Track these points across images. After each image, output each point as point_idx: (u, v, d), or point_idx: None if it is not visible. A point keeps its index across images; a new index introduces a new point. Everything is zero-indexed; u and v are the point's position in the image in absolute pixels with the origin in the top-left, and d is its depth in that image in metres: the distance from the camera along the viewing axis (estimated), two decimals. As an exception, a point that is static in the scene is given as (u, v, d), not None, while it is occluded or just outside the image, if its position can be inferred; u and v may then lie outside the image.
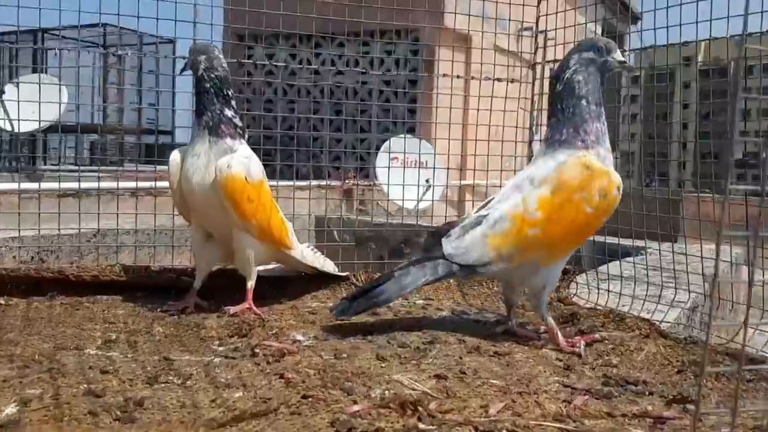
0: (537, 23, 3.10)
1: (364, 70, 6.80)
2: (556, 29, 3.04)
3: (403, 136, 3.83)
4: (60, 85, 4.40)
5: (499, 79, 3.15)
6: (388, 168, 3.72)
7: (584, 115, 2.13)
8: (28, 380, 1.67)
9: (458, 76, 3.21)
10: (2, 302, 2.54)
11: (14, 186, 4.14)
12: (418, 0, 3.43)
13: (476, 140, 3.31)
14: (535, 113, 3.23)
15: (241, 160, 2.41)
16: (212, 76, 2.45)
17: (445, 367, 1.88)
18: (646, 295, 2.61)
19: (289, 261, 2.70)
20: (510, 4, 3.24)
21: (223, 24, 4.45)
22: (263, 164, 2.55)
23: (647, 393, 1.75)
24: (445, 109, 3.36)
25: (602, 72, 2.17)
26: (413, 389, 1.70)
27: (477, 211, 2.22)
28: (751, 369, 1.88)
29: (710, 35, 2.43)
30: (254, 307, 2.43)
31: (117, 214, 3.11)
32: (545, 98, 3.51)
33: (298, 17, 3.28)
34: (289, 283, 2.79)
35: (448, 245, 2.15)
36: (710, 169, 2.79)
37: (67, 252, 3.49)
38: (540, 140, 3.42)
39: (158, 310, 2.46)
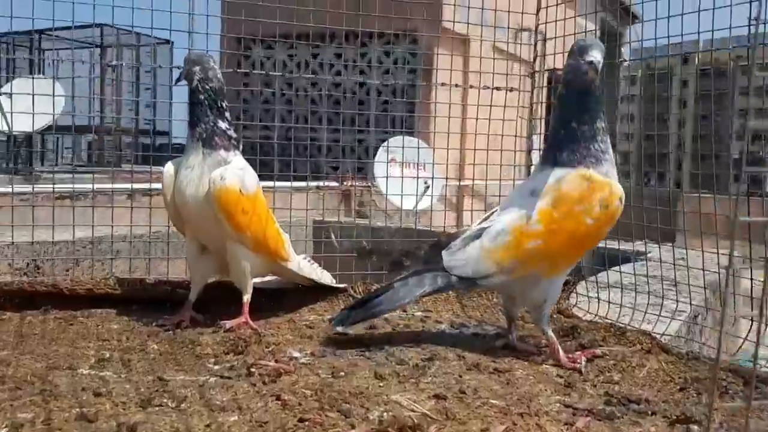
0: (536, 31, 3.06)
1: (363, 72, 6.76)
2: (555, 37, 3.00)
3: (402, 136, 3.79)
4: (56, 79, 4.36)
5: (498, 88, 3.12)
6: (386, 169, 3.69)
7: (577, 137, 2.10)
8: (20, 403, 1.65)
9: (457, 85, 3.17)
10: (-5, 316, 2.51)
11: (8, 189, 4.11)
12: (416, 8, 3.38)
13: (474, 149, 3.27)
14: (534, 122, 3.21)
15: (235, 172, 2.38)
16: (207, 87, 2.42)
17: (445, 386, 1.85)
18: (647, 305, 2.59)
19: (286, 273, 2.67)
20: (509, 12, 3.20)
21: (220, 26, 4.44)
22: (261, 165, 2.52)
23: (650, 413, 1.73)
24: (444, 118, 3.32)
25: (580, 78, 2.08)
26: (412, 410, 1.68)
27: (479, 224, 2.21)
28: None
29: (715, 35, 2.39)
30: (250, 321, 2.40)
31: (112, 214, 3.06)
32: (543, 107, 3.52)
33: (295, 18, 3.24)
34: (286, 295, 2.76)
35: (448, 257, 2.14)
36: (708, 169, 2.75)
37: (63, 256, 3.45)
38: (539, 149, 3.41)
39: (153, 324, 2.42)
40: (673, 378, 2.00)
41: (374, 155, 5.34)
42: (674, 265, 2.54)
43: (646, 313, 2.53)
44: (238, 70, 4.24)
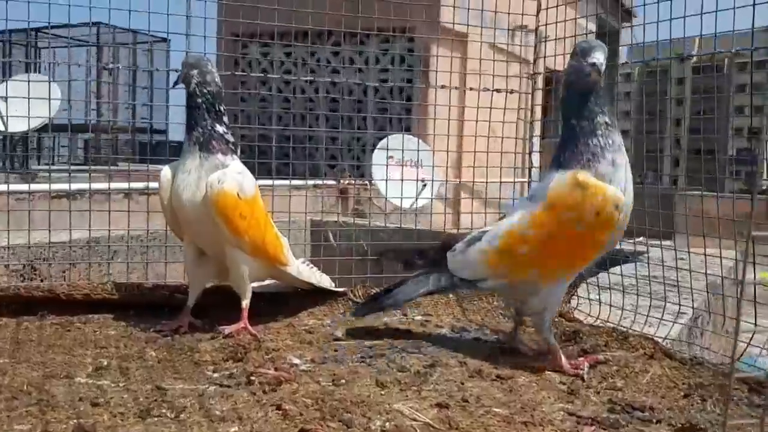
0: (536, 32, 3.03)
1: (360, 71, 6.73)
2: (556, 39, 2.97)
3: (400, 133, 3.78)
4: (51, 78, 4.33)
5: (498, 90, 3.09)
6: (384, 168, 3.67)
7: (574, 132, 2.06)
8: (16, 413, 1.62)
9: (456, 88, 3.15)
10: (-8, 323, 2.48)
11: (3, 188, 4.10)
12: (415, 8, 3.36)
13: (475, 151, 3.25)
14: (534, 123, 3.18)
15: (232, 176, 2.35)
16: (204, 91, 2.39)
17: (447, 394, 1.83)
18: (649, 307, 2.57)
19: (285, 277, 2.65)
20: (509, 13, 3.17)
21: (216, 27, 4.41)
22: (258, 163, 2.49)
23: (655, 421, 1.71)
24: (442, 119, 3.30)
25: (583, 79, 2.04)
26: (414, 420, 1.66)
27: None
28: None
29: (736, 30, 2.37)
30: (249, 327, 2.37)
31: (109, 216, 3.02)
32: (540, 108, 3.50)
33: (293, 15, 3.22)
34: (285, 300, 2.73)
35: (452, 259, 2.19)
36: (703, 166, 2.74)
37: (60, 258, 3.42)
38: (540, 151, 3.40)
39: (151, 330, 2.39)
40: (677, 384, 1.98)
41: (372, 153, 5.34)
42: (676, 268, 2.52)
43: (648, 316, 2.51)
44: (236, 73, 4.18)
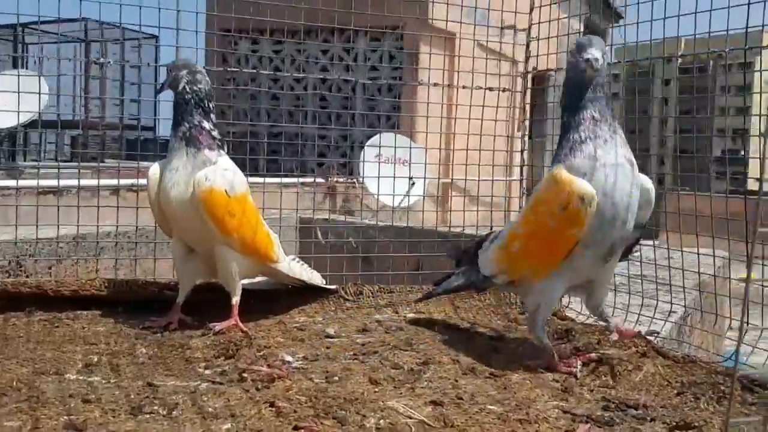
0: (529, 30, 3.02)
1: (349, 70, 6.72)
2: (548, 38, 2.97)
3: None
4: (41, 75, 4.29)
5: (491, 89, 3.08)
6: (378, 164, 3.66)
7: (564, 127, 2.05)
8: (6, 410, 1.60)
9: (449, 85, 3.13)
10: (-22, 319, 2.45)
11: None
12: (405, 5, 3.35)
13: (466, 149, 3.24)
14: (526, 122, 3.18)
15: (221, 173, 2.32)
16: (195, 88, 2.37)
17: (441, 392, 1.82)
18: (641, 306, 2.58)
19: (276, 274, 2.63)
20: (502, 11, 3.16)
21: (206, 23, 4.39)
22: (247, 160, 2.48)
23: (649, 419, 1.71)
24: (432, 118, 3.29)
25: (578, 75, 2.02)
26: (409, 417, 1.65)
27: None
28: None
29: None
30: (240, 324, 2.35)
31: (98, 213, 3.00)
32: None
33: (284, 12, 3.20)
34: (276, 297, 2.71)
35: (480, 256, 2.28)
36: (689, 165, 2.75)
37: (45, 254, 3.38)
38: (527, 150, 3.40)
39: (140, 327, 2.37)
40: (670, 382, 1.97)
41: (360, 151, 5.33)
42: (669, 267, 2.52)
43: (639, 315, 2.52)
44: (228, 69, 4.17)
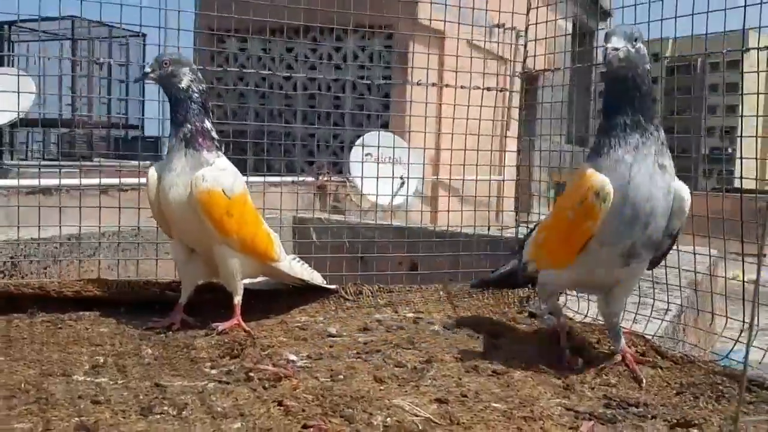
0: (526, 30, 3.04)
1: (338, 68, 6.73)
2: (546, 38, 2.99)
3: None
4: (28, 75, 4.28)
5: (489, 89, 3.10)
6: (370, 163, 3.67)
7: (598, 129, 2.02)
8: (16, 412, 1.61)
9: (447, 85, 3.15)
10: (-20, 320, 2.45)
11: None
12: (395, 4, 3.36)
13: (464, 149, 3.26)
14: (515, 122, 3.19)
15: (219, 173, 2.33)
16: (201, 88, 2.38)
17: (445, 389, 1.85)
18: (638, 305, 2.61)
19: (277, 274, 2.64)
20: (499, 12, 3.18)
21: (193, 21, 4.38)
22: (236, 160, 2.49)
23: (650, 417, 1.74)
24: (425, 116, 3.30)
25: (607, 70, 1.94)
26: (416, 415, 1.67)
27: None
28: None
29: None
30: (243, 323, 2.37)
31: (100, 213, 3.00)
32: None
33: (274, 11, 3.21)
34: (277, 297, 2.73)
35: (525, 244, 2.41)
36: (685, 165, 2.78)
37: (40, 255, 3.38)
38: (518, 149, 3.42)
39: (143, 327, 2.38)
40: (669, 382, 2.00)
41: (350, 150, 5.34)
42: (665, 266, 2.55)
43: (636, 313, 2.55)
44: (217, 68, 4.16)
